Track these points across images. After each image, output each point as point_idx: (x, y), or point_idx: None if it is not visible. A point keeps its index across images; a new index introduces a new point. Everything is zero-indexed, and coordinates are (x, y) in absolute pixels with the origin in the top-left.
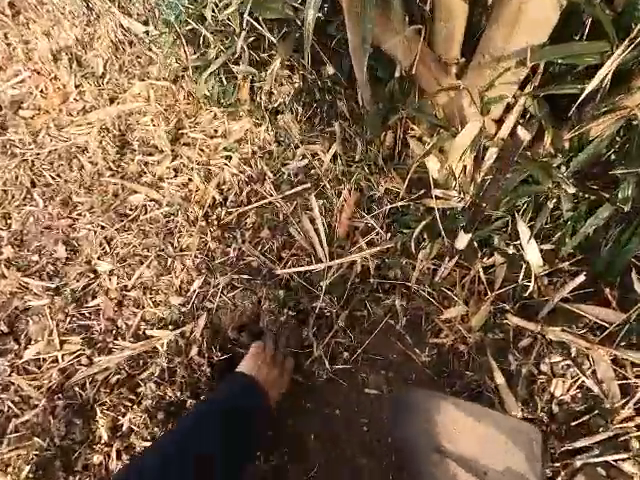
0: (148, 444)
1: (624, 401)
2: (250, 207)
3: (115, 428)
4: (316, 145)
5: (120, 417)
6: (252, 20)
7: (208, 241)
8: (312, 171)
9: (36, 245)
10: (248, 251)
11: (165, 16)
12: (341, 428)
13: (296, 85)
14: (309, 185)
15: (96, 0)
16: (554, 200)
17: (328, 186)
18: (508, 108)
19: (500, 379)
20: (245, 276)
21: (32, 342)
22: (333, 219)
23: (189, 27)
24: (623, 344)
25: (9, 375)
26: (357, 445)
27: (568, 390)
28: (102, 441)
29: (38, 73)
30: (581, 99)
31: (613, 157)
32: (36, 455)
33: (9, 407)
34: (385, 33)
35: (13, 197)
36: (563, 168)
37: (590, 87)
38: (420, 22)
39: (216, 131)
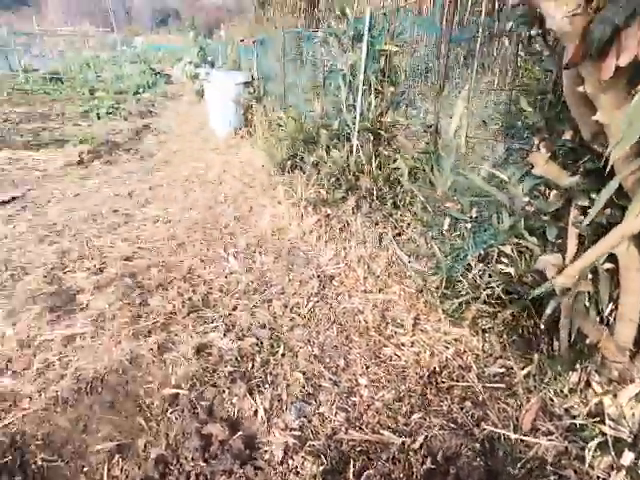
0: None
1: None
2: (457, 384)
3: None
4: (512, 362)
5: None
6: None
7: (427, 393)
8: (506, 378)
9: None
10: (457, 412)
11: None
12: None
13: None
14: (503, 386)
15: (388, 230)
16: None
17: (521, 391)
18: None
19: None
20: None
21: None
22: (520, 414)
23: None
24: None
25: None
26: None
27: None
28: None
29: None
30: None
31: None
32: None
33: None
34: (586, 325)
35: None
36: None
37: None
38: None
39: (439, 329)
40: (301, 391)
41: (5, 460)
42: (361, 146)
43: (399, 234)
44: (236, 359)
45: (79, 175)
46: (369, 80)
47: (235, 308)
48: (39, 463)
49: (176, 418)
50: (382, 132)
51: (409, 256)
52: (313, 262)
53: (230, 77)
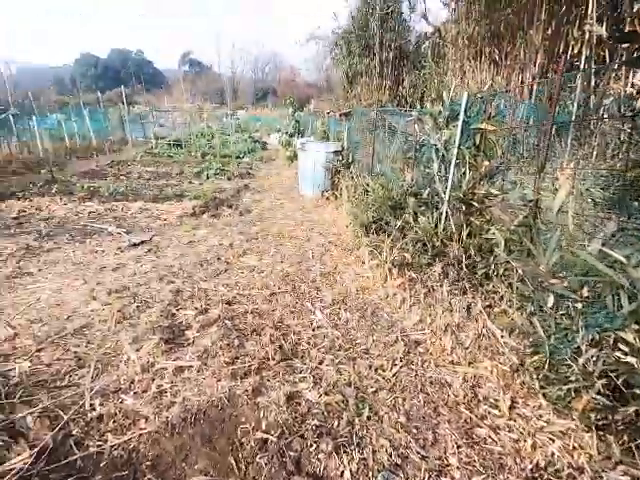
0: None
1: None
2: None
3: None
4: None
5: None
6: None
7: None
8: None
9: None
10: None
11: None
12: None
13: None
14: None
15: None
16: None
17: None
18: None
19: None
20: None
21: None
22: None
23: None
24: None
25: None
26: None
27: None
28: None
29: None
30: None
31: None
32: None
33: None
34: None
35: None
36: None
37: None
38: None
39: (540, 416)
40: (388, 460)
41: (122, 474)
42: (451, 214)
43: (490, 306)
44: (323, 414)
45: (192, 225)
46: (463, 154)
47: (322, 362)
48: None
49: (265, 464)
50: (474, 203)
51: (502, 330)
52: (397, 325)
53: (323, 146)
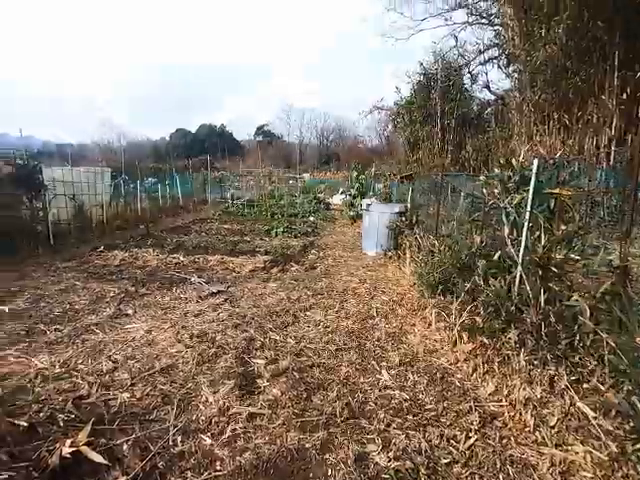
0: None
1: None
2: None
3: None
4: None
5: None
6: None
7: None
8: None
9: None
10: None
11: None
12: None
13: None
14: None
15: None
16: None
17: None
18: None
19: None
20: None
21: None
22: None
23: None
24: None
25: None
26: None
27: None
28: None
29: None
30: None
31: None
32: None
33: None
34: None
35: None
36: None
37: None
38: None
39: None
40: None
41: None
42: (526, 279)
43: (578, 381)
44: None
45: (262, 278)
46: (536, 218)
47: (389, 424)
48: None
49: None
50: (552, 267)
51: (595, 410)
52: (470, 394)
53: (388, 207)
